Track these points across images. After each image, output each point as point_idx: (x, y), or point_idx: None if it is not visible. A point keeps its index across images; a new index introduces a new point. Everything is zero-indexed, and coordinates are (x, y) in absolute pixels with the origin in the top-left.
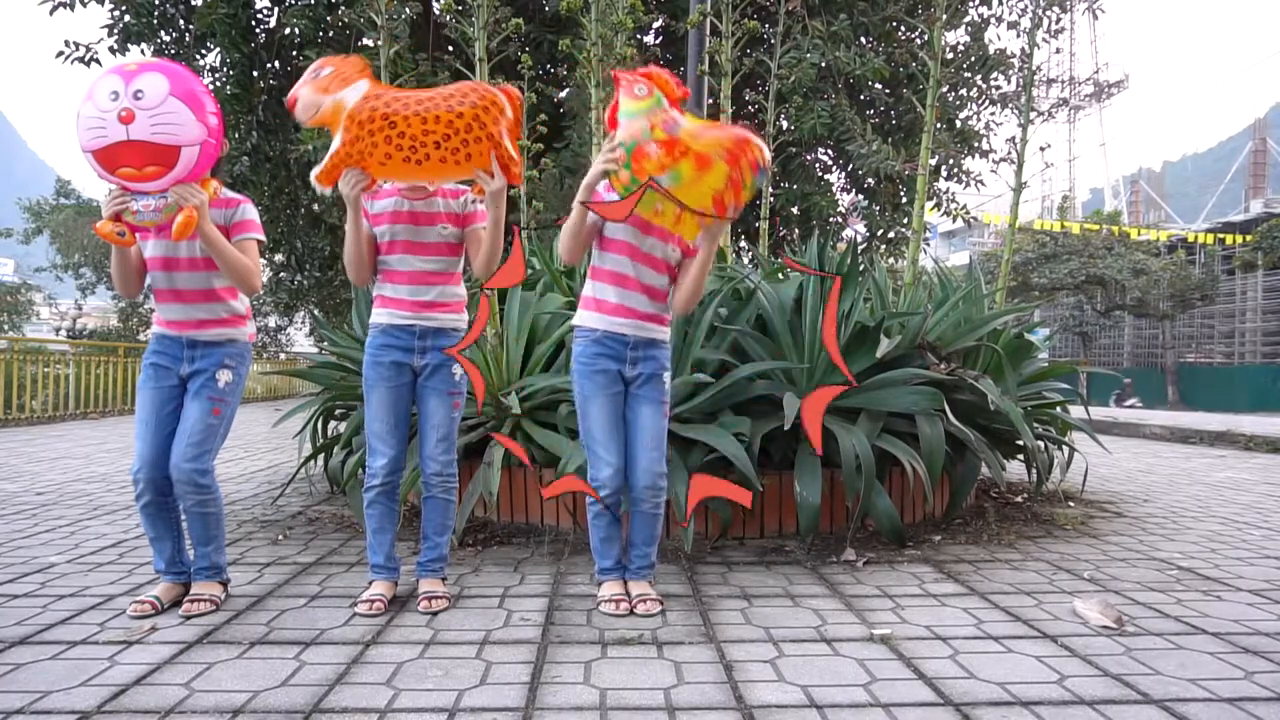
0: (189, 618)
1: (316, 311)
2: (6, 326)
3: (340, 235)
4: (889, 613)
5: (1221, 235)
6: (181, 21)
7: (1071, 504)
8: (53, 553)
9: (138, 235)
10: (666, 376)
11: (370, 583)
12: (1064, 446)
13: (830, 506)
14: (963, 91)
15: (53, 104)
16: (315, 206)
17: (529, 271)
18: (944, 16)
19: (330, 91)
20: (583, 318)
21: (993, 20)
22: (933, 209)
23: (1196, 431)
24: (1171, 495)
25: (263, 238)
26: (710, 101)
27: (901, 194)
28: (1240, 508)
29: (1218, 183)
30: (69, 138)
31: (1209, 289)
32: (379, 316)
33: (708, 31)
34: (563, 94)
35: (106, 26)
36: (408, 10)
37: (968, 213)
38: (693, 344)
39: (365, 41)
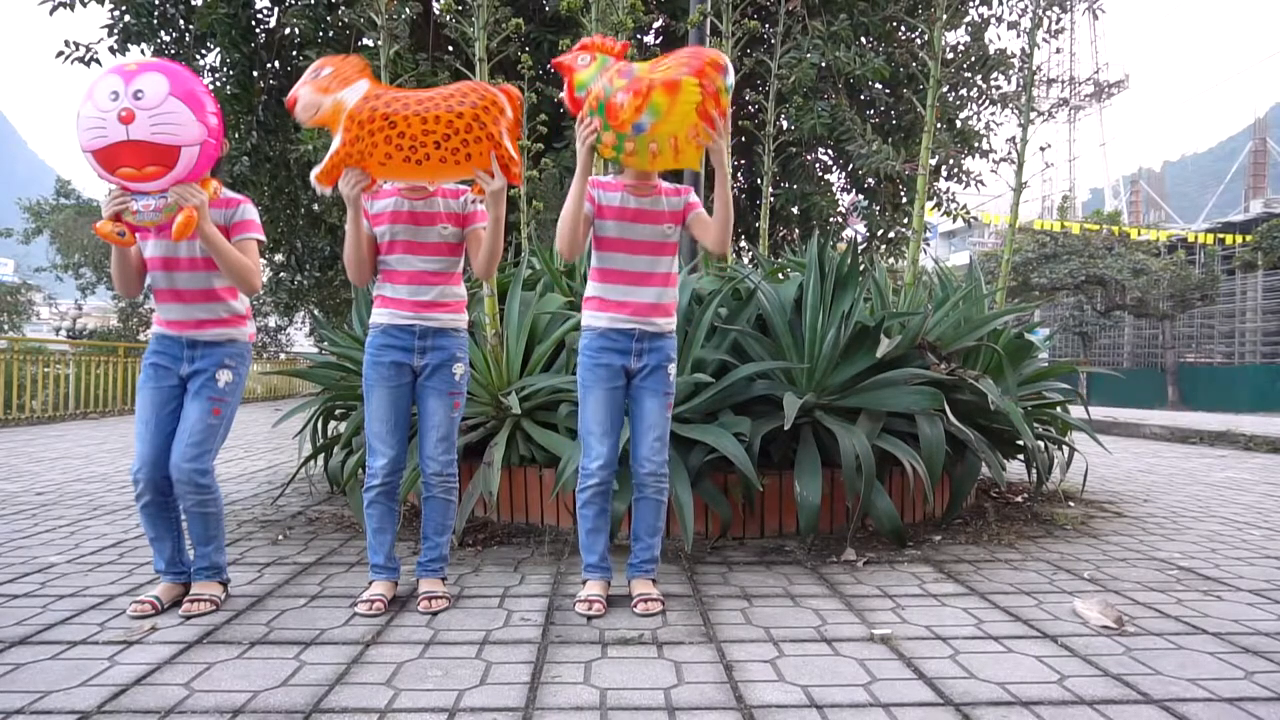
0: (189, 618)
1: (316, 311)
2: (6, 326)
3: (340, 235)
4: (889, 613)
5: (1221, 235)
6: (181, 21)
7: (1071, 504)
8: (53, 553)
9: (138, 235)
10: (671, 368)
11: (370, 583)
12: (1064, 446)
13: (830, 506)
14: (963, 91)
15: (53, 104)
16: (315, 206)
17: (529, 271)
18: (944, 16)
19: (330, 91)
20: (587, 318)
21: (993, 20)
22: (933, 209)
23: (1196, 431)
24: (1171, 495)
25: (263, 238)
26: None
27: (901, 194)
28: (1240, 508)
29: (1218, 183)
30: (69, 138)
31: (1209, 289)
32: (379, 316)
33: (708, 31)
34: (563, 94)
35: (106, 26)
36: (408, 10)
37: (968, 213)
38: (693, 344)
39: (365, 41)
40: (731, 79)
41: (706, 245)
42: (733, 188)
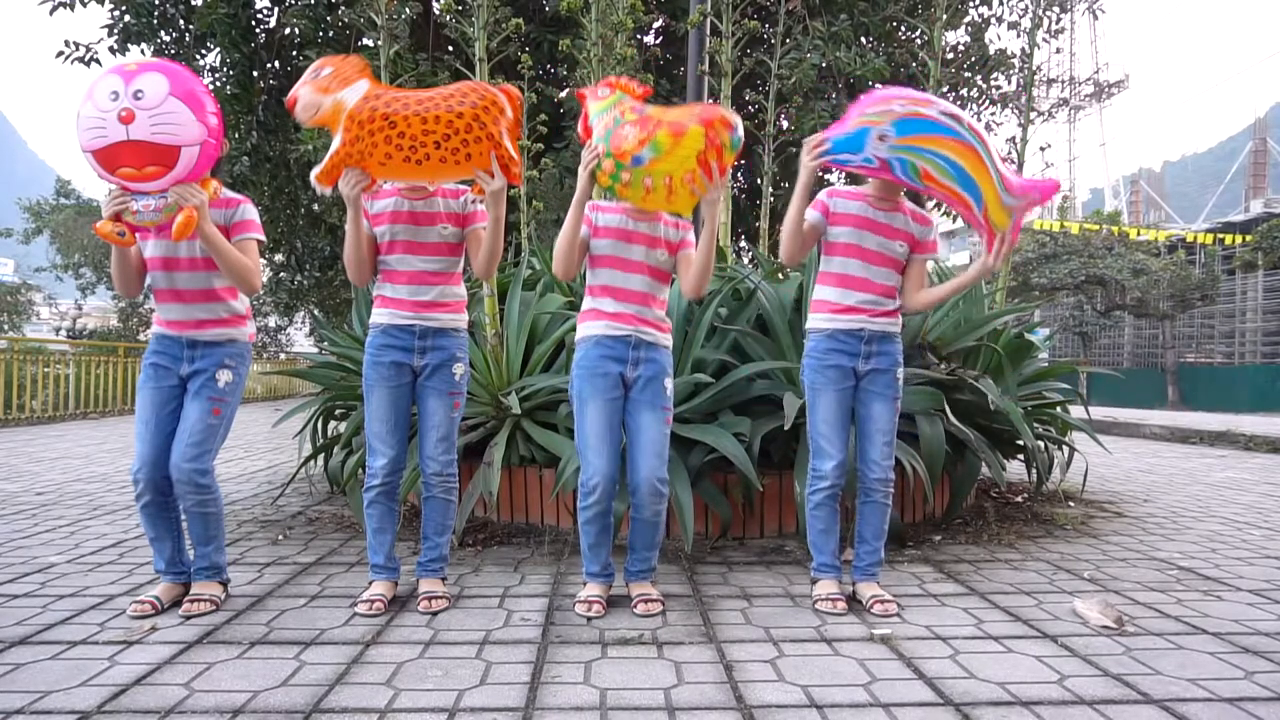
0: (189, 618)
1: (316, 311)
2: (6, 326)
3: (340, 235)
4: None
5: (1221, 235)
6: (181, 21)
7: (1071, 504)
8: (53, 553)
9: (138, 235)
10: (668, 382)
11: (370, 583)
12: (1064, 446)
13: None
14: (963, 91)
15: (53, 104)
16: (315, 206)
17: (529, 271)
18: (944, 16)
19: (330, 91)
20: (582, 330)
21: (993, 20)
22: (932, 209)
23: (1196, 431)
24: (1171, 495)
25: (263, 238)
26: (710, 101)
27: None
28: (1240, 508)
29: (1218, 183)
30: (69, 138)
31: (1209, 289)
32: (379, 316)
33: (708, 31)
34: (563, 94)
35: (106, 26)
36: (408, 10)
37: None
38: (693, 344)
39: (365, 41)
40: (739, 137)
41: (682, 286)
42: (733, 188)
